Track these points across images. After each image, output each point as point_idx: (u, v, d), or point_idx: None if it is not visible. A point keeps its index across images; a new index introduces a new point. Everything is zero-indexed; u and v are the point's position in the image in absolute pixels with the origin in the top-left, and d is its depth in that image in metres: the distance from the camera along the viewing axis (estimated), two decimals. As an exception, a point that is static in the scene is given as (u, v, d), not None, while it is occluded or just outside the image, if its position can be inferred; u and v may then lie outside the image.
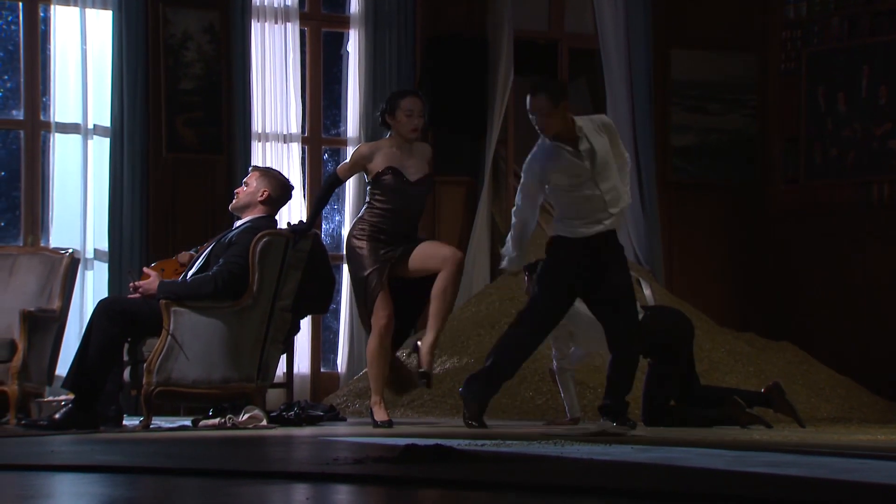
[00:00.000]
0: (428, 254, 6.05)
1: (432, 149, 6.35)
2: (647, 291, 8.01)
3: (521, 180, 5.93)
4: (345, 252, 6.25)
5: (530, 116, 5.80)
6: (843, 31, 8.49)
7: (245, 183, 6.40)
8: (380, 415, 6.00)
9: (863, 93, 8.45)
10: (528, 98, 5.81)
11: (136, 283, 6.21)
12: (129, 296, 6.19)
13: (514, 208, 5.98)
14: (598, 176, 5.75)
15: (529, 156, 5.92)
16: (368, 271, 5.98)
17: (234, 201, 6.40)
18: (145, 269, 6.34)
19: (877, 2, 8.43)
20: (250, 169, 6.56)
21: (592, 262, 5.80)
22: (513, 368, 6.12)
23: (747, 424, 6.17)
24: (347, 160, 6.32)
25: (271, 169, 6.66)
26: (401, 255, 6.04)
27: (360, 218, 6.13)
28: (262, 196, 6.32)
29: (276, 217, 6.53)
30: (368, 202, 6.13)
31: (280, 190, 6.39)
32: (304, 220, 6.43)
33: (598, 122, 5.90)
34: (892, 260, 8.39)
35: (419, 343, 6.09)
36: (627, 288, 5.84)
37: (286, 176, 6.80)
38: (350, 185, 7.94)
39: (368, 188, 6.16)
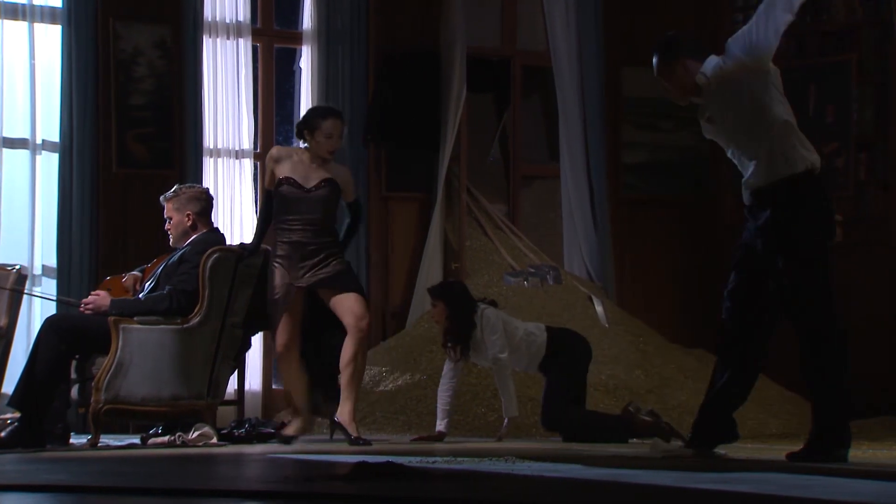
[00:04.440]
0: (345, 307, 6.14)
1: (350, 172, 6.50)
2: (598, 308, 8.06)
3: None
4: None
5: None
6: (791, 50, 8.58)
7: (167, 218, 6.35)
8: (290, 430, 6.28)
9: (810, 112, 8.54)
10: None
11: (84, 300, 6.15)
12: (86, 306, 6.10)
13: None
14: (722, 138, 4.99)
15: None
16: (277, 295, 6.17)
17: (170, 239, 6.36)
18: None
19: (824, 22, 8.53)
20: (161, 201, 6.37)
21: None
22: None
23: (646, 433, 6.15)
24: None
25: (177, 191, 6.38)
26: (328, 283, 6.15)
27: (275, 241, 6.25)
28: (188, 220, 6.28)
29: (219, 225, 6.49)
30: (275, 217, 6.24)
31: (198, 203, 6.33)
32: (251, 241, 6.40)
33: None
34: (839, 275, 8.45)
35: (338, 418, 6.13)
36: None
37: (196, 185, 6.75)
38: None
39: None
